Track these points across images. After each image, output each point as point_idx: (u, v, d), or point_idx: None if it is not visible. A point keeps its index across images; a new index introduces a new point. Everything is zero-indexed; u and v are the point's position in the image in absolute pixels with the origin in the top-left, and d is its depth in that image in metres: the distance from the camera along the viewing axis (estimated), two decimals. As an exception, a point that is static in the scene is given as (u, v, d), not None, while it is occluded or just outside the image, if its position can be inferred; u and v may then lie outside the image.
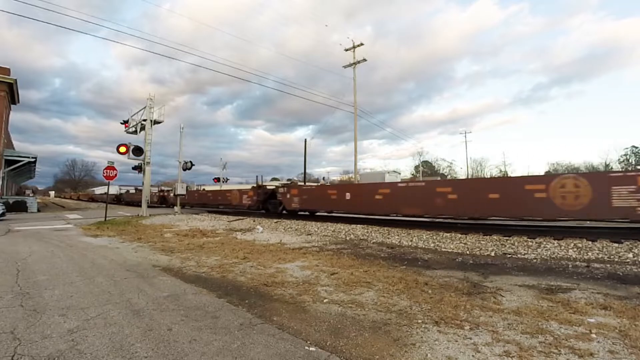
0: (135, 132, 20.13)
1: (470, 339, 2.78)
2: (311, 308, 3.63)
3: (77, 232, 11.30)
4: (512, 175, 45.14)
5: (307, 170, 33.34)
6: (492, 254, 7.11)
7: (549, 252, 6.87)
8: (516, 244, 7.71)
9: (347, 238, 9.72)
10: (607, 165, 48.90)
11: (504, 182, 10.21)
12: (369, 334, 2.93)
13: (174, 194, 21.28)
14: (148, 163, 18.77)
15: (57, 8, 14.76)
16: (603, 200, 7.51)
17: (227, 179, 29.25)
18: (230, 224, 14.06)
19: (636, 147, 49.33)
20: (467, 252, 7.29)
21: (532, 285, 4.49)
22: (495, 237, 8.41)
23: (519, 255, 6.80)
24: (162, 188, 33.70)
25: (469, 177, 48.80)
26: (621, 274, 5.16)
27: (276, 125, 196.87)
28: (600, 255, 6.43)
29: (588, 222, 9.36)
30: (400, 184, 11.95)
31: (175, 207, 20.51)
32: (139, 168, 19.02)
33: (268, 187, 18.55)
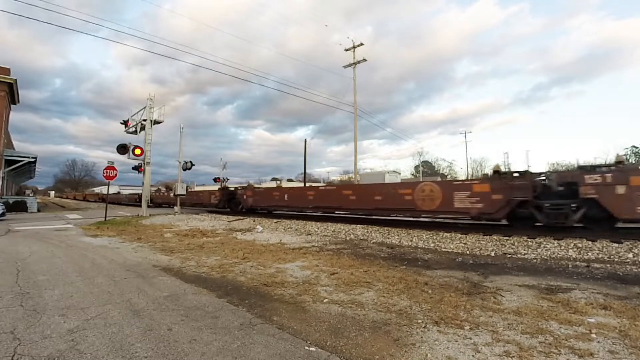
0: (135, 132, 20.13)
1: (470, 339, 2.78)
2: (311, 308, 3.63)
3: (77, 232, 11.30)
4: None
5: (307, 170, 33.32)
6: (492, 254, 7.11)
7: (549, 252, 6.87)
8: (516, 244, 7.70)
9: (347, 238, 9.72)
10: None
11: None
12: (369, 334, 2.93)
13: (174, 194, 21.30)
14: (148, 163, 18.77)
15: (58, 8, 14.77)
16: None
17: (227, 179, 29.22)
18: (230, 224, 14.06)
19: (636, 147, 49.36)
20: (467, 252, 7.29)
21: (532, 285, 4.49)
22: (495, 237, 8.41)
23: (519, 255, 6.80)
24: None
25: (469, 177, 48.88)
26: (621, 274, 5.16)
27: (276, 125, 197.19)
28: (600, 255, 6.43)
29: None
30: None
31: (175, 207, 20.51)
32: (139, 168, 19.03)
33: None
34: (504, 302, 3.76)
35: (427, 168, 63.50)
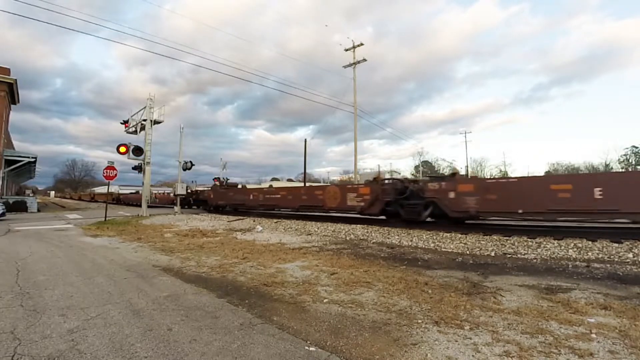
0: (135, 132, 20.14)
1: (470, 339, 2.78)
2: (311, 308, 3.63)
3: (77, 232, 11.30)
4: (509, 175, 45.95)
5: (307, 170, 33.32)
6: (492, 254, 7.11)
7: (549, 252, 6.86)
8: (516, 244, 7.70)
9: (347, 238, 9.72)
10: (607, 166, 48.92)
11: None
12: (369, 334, 2.93)
13: (174, 194, 21.33)
14: (148, 163, 18.77)
15: (59, 8, 14.77)
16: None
17: (228, 179, 29.18)
18: (230, 224, 14.06)
19: (636, 147, 49.36)
20: (467, 252, 7.29)
21: (532, 285, 4.49)
22: (495, 237, 8.42)
23: (519, 255, 6.80)
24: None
25: (469, 177, 48.79)
26: (621, 274, 5.16)
27: (277, 126, 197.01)
28: (600, 255, 6.43)
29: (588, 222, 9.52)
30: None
31: (175, 207, 20.52)
32: (139, 168, 19.03)
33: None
34: (504, 302, 3.76)
35: (427, 168, 63.47)
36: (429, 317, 3.29)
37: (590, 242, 7.23)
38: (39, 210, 23.72)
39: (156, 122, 19.78)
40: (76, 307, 3.60)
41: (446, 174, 13.48)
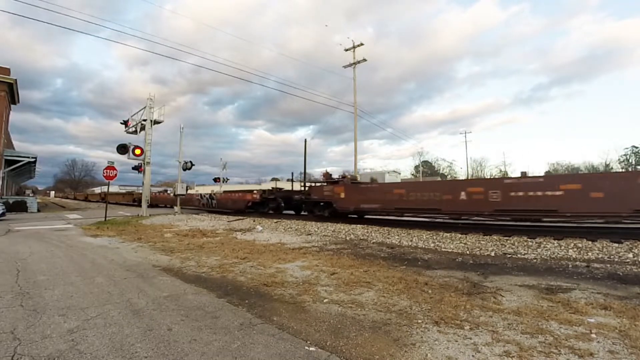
0: (135, 132, 20.13)
1: (470, 339, 2.78)
2: (311, 308, 3.63)
3: (77, 232, 11.30)
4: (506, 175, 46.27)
5: (307, 170, 33.28)
6: (492, 254, 7.11)
7: (549, 252, 6.86)
8: (516, 244, 7.71)
9: (347, 238, 9.72)
10: (607, 166, 48.96)
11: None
12: (369, 334, 2.93)
13: (174, 194, 21.33)
14: (148, 163, 18.76)
15: (60, 9, 14.76)
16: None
17: (227, 179, 29.23)
18: (230, 224, 14.06)
19: (636, 147, 49.37)
20: (467, 252, 7.29)
21: (532, 285, 4.49)
22: (495, 237, 8.42)
23: (519, 255, 6.80)
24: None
25: (469, 177, 48.89)
26: (621, 274, 5.16)
27: (277, 126, 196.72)
28: (600, 255, 6.43)
29: (588, 222, 9.57)
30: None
31: (175, 207, 20.51)
32: (138, 168, 19.03)
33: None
34: (504, 302, 3.76)
35: (427, 168, 63.50)
36: (429, 317, 3.29)
37: (590, 242, 7.23)
38: (39, 210, 23.72)
39: (156, 122, 19.77)
40: (76, 307, 3.60)
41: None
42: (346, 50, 25.16)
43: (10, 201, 22.45)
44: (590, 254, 6.58)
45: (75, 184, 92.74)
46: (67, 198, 71.14)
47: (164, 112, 20.17)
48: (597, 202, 7.84)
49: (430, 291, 4.19)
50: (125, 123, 20.11)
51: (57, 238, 9.59)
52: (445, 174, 62.70)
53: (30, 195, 41.51)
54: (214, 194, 23.24)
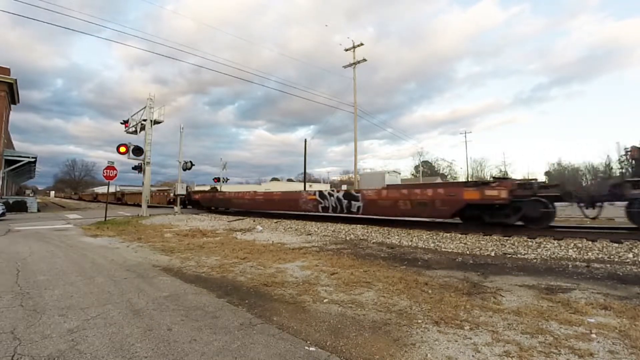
0: (135, 132, 20.13)
1: (470, 339, 2.78)
2: (311, 308, 3.63)
3: (77, 232, 11.30)
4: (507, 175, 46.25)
5: (307, 170, 33.32)
6: (492, 254, 7.11)
7: (549, 252, 6.86)
8: (516, 244, 7.70)
9: (347, 238, 9.72)
10: (607, 166, 48.88)
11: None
12: (369, 334, 2.93)
13: (174, 194, 21.33)
14: (148, 163, 18.77)
15: (60, 9, 14.78)
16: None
17: (227, 179, 29.20)
18: (230, 224, 14.06)
19: (636, 147, 49.19)
20: (467, 252, 7.28)
21: (532, 285, 4.49)
22: (495, 237, 8.42)
23: (519, 255, 6.79)
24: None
25: (469, 177, 48.91)
26: (621, 274, 5.16)
27: (277, 126, 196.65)
28: (600, 255, 6.43)
29: (588, 222, 9.59)
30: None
31: (175, 207, 20.52)
32: (139, 168, 19.03)
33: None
34: (504, 302, 3.76)
35: (427, 168, 63.50)
36: (429, 317, 3.29)
37: (590, 242, 7.23)
38: (39, 210, 23.72)
39: (156, 122, 19.78)
40: (76, 307, 3.60)
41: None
42: (346, 50, 25.18)
43: (10, 201, 22.44)
44: (590, 254, 6.58)
45: (75, 184, 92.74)
46: (71, 198, 70.33)
47: (164, 112, 20.19)
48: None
49: (430, 291, 4.19)
50: (125, 123, 20.12)
51: (57, 238, 9.59)
52: (445, 174, 62.70)
53: (30, 195, 41.48)
54: (355, 191, 12.56)
